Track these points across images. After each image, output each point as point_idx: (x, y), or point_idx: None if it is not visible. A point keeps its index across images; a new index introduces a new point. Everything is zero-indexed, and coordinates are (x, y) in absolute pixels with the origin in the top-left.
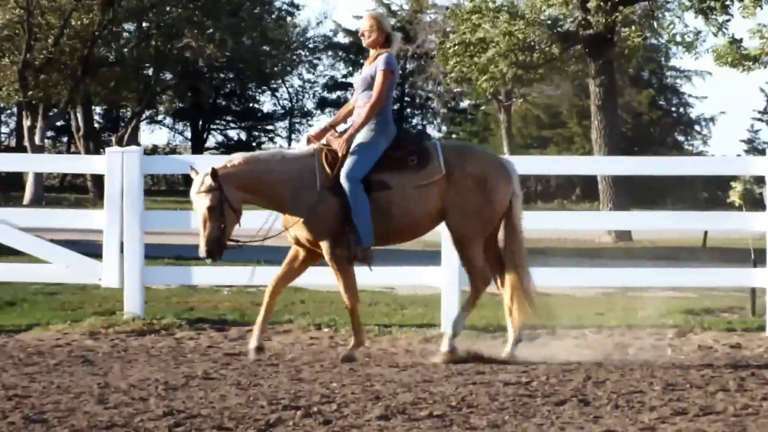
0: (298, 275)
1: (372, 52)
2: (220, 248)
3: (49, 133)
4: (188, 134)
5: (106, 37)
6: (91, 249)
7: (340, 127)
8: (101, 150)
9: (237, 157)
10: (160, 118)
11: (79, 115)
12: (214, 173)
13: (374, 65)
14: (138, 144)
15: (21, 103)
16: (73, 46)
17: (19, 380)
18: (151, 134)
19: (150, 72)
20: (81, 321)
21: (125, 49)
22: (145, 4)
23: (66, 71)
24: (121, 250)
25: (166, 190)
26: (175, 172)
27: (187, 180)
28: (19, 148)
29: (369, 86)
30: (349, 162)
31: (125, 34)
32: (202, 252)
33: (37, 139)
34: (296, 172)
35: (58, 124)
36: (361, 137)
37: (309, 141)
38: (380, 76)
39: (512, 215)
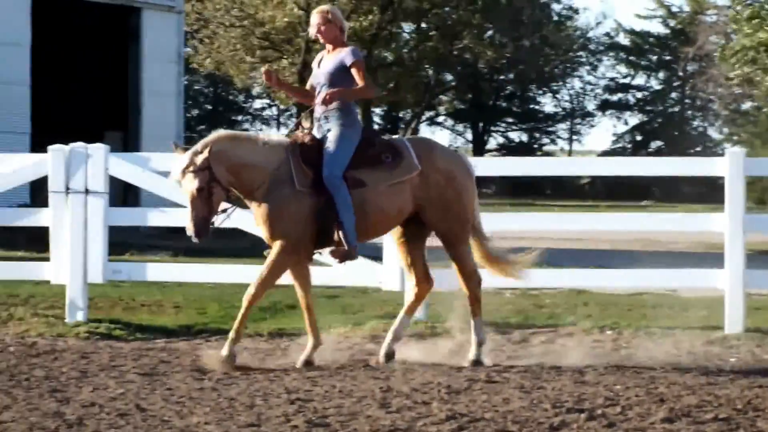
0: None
1: (329, 47)
2: (207, 228)
3: None
4: (469, 136)
5: (385, 38)
6: (372, 252)
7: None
8: None
9: (221, 134)
10: (440, 119)
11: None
12: (202, 152)
13: (338, 59)
14: None
15: (299, 104)
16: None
17: (302, 384)
18: (432, 135)
19: (429, 73)
20: (362, 324)
21: (404, 50)
22: (424, 6)
23: None
24: None
25: None
26: None
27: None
28: None
29: (334, 81)
30: (328, 161)
31: (404, 35)
32: (189, 232)
33: None
34: (274, 165)
35: None
36: (334, 134)
37: (267, 75)
38: (357, 68)
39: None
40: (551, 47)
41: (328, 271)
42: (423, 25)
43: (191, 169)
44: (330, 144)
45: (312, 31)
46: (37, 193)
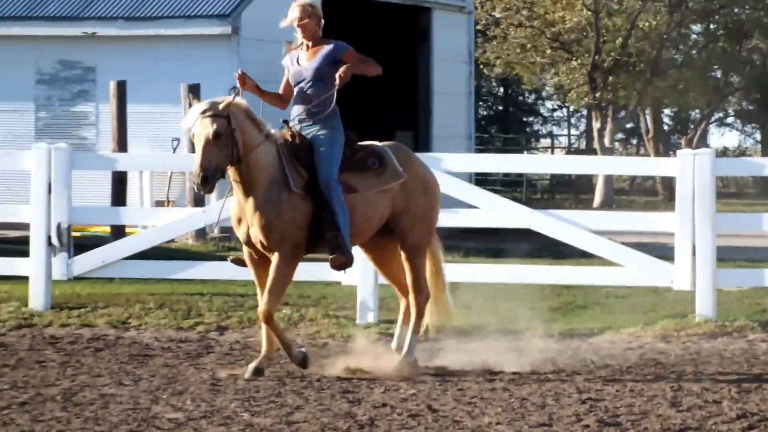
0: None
1: (307, 44)
2: (215, 178)
3: (619, 135)
4: (758, 136)
5: (674, 38)
6: (661, 251)
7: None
8: (670, 152)
9: (241, 101)
10: (729, 120)
11: (647, 117)
12: (223, 101)
13: (323, 54)
14: (707, 146)
15: (590, 105)
16: (641, 48)
17: (593, 384)
18: (721, 137)
19: (718, 74)
20: (653, 324)
21: (693, 51)
22: (713, 6)
23: (634, 73)
24: (693, 253)
25: (735, 192)
26: (745, 175)
27: (758, 183)
28: (589, 150)
29: (322, 76)
30: (324, 164)
31: (693, 36)
32: (196, 179)
33: (606, 141)
34: (271, 161)
35: (628, 126)
36: (326, 136)
37: (240, 78)
38: (352, 56)
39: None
40: None
41: (619, 271)
42: (711, 26)
43: (210, 113)
44: (323, 146)
45: (286, 23)
46: None
